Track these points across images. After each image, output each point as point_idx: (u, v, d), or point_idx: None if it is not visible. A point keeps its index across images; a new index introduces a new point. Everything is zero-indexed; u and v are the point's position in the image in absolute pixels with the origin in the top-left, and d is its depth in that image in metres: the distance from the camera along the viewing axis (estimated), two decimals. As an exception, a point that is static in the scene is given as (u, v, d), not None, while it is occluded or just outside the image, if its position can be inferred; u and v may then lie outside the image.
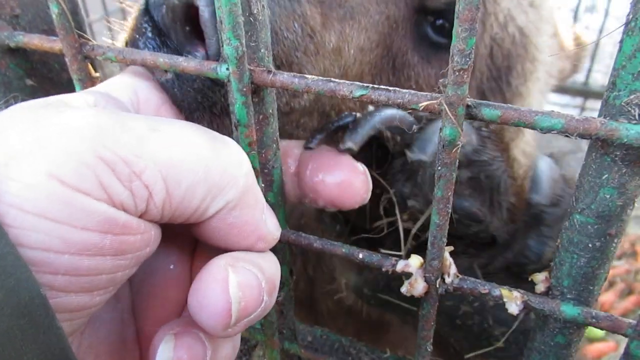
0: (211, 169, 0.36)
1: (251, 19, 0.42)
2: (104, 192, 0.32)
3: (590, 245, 0.39)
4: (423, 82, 0.69)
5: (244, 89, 0.43)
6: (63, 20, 0.47)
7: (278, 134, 0.50)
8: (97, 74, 0.52)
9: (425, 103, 0.37)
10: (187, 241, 0.46)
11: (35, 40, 0.52)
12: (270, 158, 0.50)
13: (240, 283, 0.38)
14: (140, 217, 0.34)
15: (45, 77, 0.59)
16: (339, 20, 0.59)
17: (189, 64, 0.45)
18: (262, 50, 0.44)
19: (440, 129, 0.37)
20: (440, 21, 0.69)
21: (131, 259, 0.35)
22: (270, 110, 0.48)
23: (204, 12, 0.43)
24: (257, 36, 0.43)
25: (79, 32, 0.49)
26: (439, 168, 0.39)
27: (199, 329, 0.41)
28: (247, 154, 0.47)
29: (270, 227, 0.41)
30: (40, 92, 0.58)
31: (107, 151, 0.32)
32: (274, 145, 0.50)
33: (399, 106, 0.39)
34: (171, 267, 0.45)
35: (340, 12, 0.60)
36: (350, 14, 0.61)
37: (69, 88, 0.54)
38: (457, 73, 0.34)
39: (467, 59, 0.34)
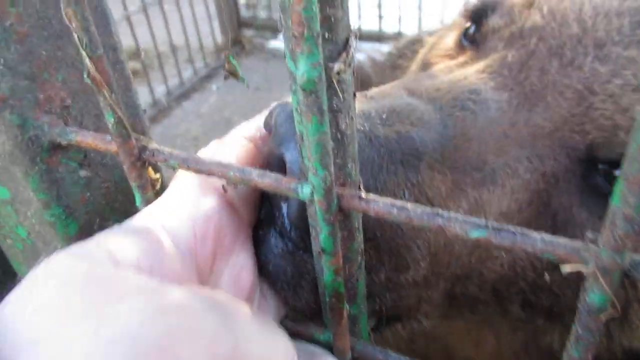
0: None
1: (338, 135, 0.36)
2: None
3: None
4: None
5: (331, 218, 0.37)
6: (120, 128, 0.42)
7: (363, 245, 0.43)
8: (157, 176, 0.47)
9: (569, 266, 0.29)
10: None
11: (89, 139, 0.47)
12: (354, 272, 0.43)
13: None
14: None
15: (100, 164, 0.54)
16: (475, 186, 0.50)
17: (264, 179, 0.39)
18: (349, 165, 0.38)
19: (585, 289, 0.30)
20: (619, 171, 0.56)
21: None
22: (356, 225, 0.41)
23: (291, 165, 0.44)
24: (344, 151, 0.37)
25: (137, 136, 0.43)
26: (580, 331, 0.32)
27: None
28: (332, 281, 0.41)
29: None
30: (95, 181, 0.53)
31: None
32: (359, 258, 0.43)
33: (529, 254, 0.32)
34: None
35: (477, 176, 0.50)
36: (491, 177, 0.51)
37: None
38: (617, 240, 0.27)
39: (635, 226, 0.27)
